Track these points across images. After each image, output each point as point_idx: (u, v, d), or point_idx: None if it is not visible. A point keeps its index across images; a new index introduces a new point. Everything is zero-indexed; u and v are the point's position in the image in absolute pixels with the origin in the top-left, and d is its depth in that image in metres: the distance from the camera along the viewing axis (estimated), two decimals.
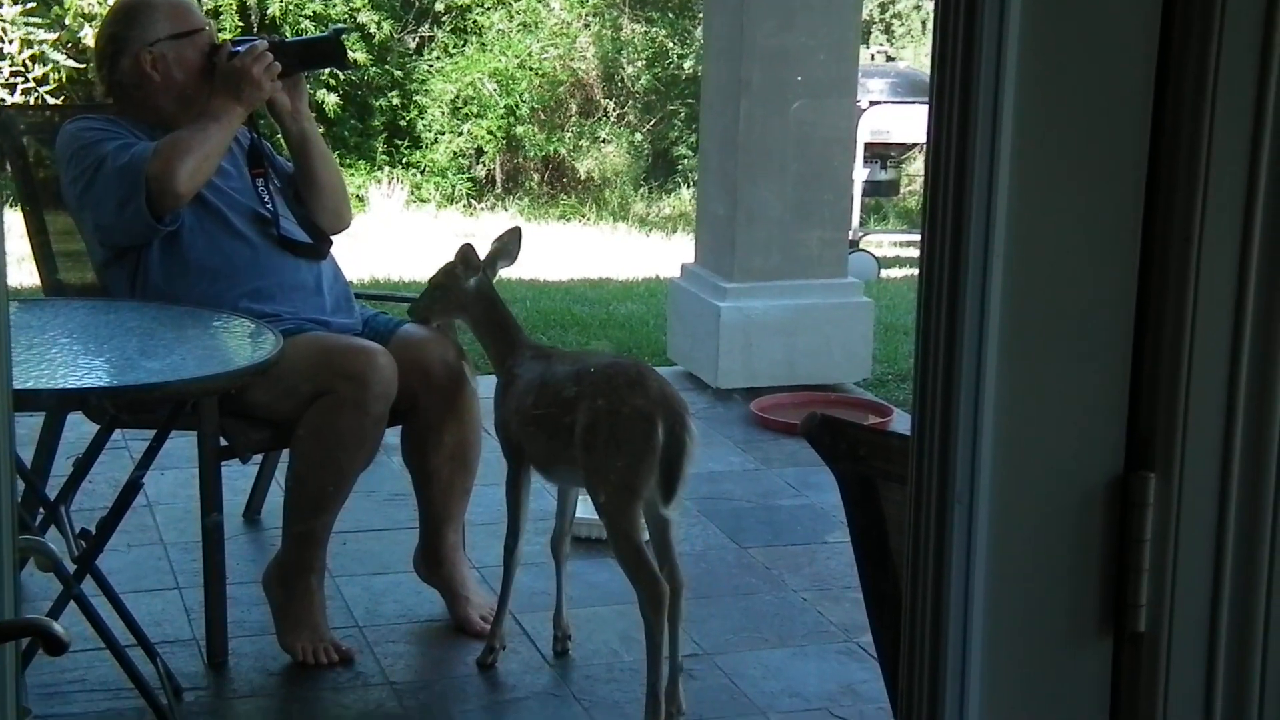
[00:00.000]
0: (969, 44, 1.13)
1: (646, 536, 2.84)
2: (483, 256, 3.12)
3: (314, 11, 10.69)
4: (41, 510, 2.87)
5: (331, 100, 10.63)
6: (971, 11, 1.13)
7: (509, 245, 3.13)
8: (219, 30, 9.78)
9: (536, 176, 11.67)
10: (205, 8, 9.96)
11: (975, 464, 1.13)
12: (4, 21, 9.59)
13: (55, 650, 0.88)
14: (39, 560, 1.47)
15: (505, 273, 3.20)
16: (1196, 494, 1.13)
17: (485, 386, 3.23)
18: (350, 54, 3.90)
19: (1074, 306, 1.14)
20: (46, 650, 0.89)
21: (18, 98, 9.64)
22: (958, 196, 1.15)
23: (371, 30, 10.91)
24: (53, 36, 9.96)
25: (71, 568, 2.74)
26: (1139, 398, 1.14)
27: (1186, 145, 1.12)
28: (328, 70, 9.70)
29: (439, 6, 11.45)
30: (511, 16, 11.37)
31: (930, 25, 13.05)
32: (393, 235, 9.19)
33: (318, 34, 3.44)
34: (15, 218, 3.64)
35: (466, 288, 3.09)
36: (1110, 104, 1.13)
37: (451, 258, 3.13)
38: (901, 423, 4.96)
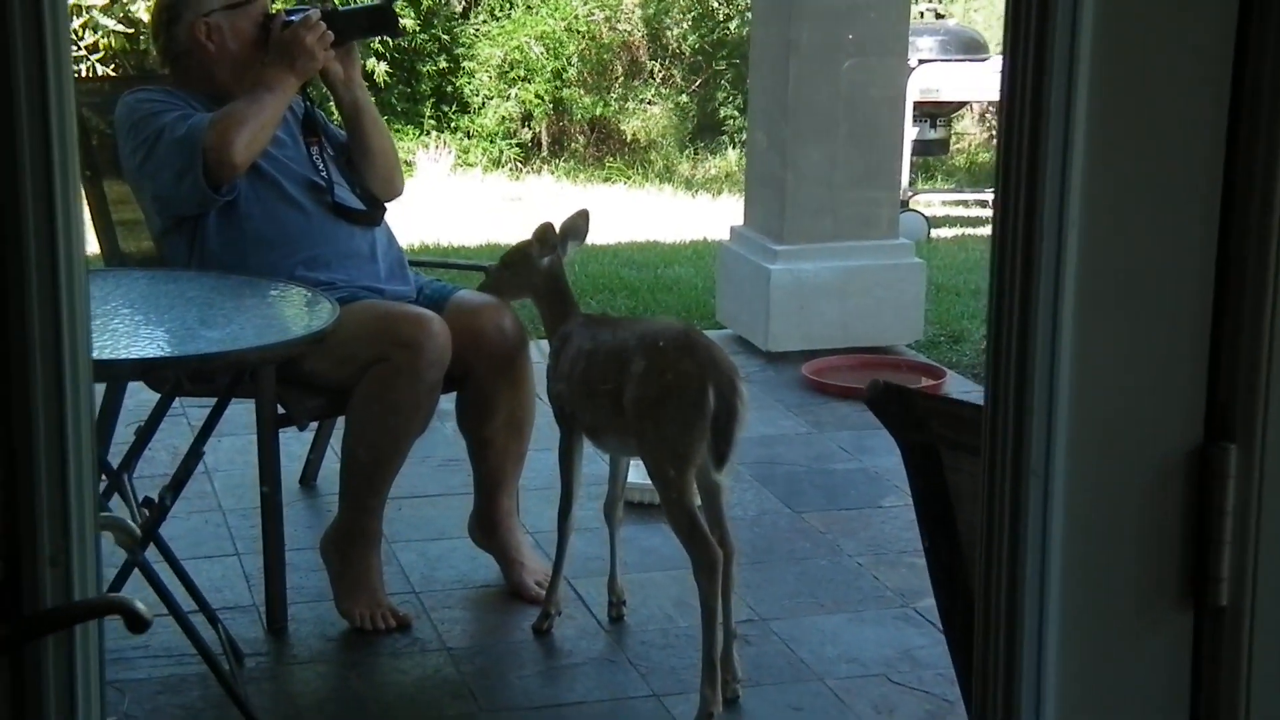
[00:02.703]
0: (1043, 13, 1.11)
1: (699, 502, 2.83)
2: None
3: None
4: (104, 479, 2.90)
5: (381, 69, 10.63)
6: None
7: (579, 225, 3.12)
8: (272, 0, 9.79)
9: (582, 139, 11.64)
10: None
11: (1051, 436, 1.11)
12: None
13: (138, 628, 0.89)
14: (118, 537, 1.48)
15: None
16: (1279, 464, 1.11)
17: (538, 352, 3.23)
18: (401, 21, 3.89)
19: (1152, 273, 1.12)
20: (129, 628, 0.90)
21: None
22: (1031, 159, 1.13)
23: None
24: (103, 2, 9.99)
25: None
26: (1219, 367, 1.12)
27: (1268, 99, 1.10)
28: (378, 37, 9.70)
29: None
30: None
31: None
32: (440, 200, 9.20)
33: (369, 2, 3.44)
34: None
35: (539, 266, 3.08)
36: (1190, 56, 1.10)
37: (529, 235, 3.11)
38: (956, 384, 4.93)
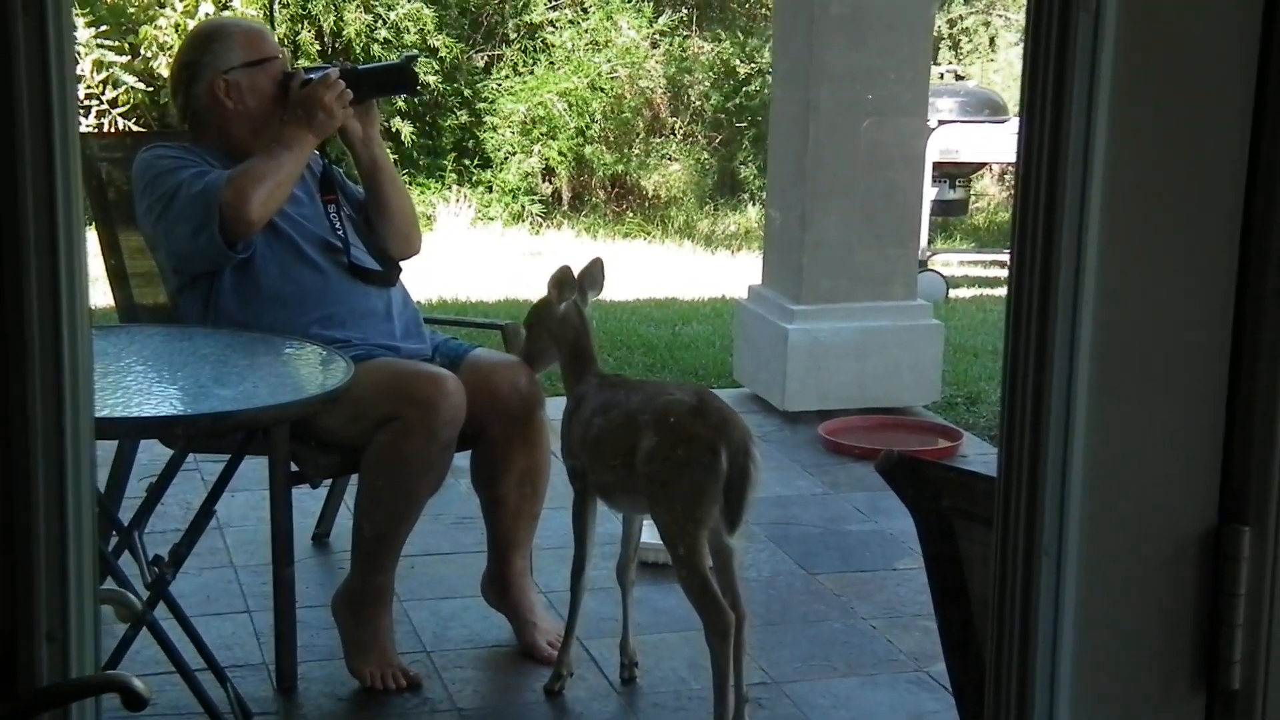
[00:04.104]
0: (1060, 81, 1.11)
1: (711, 564, 2.81)
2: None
3: (385, 37, 10.78)
4: (115, 535, 2.90)
5: (407, 129, 10.72)
6: (1063, 46, 1.10)
7: (594, 274, 3.11)
8: (294, 55, 9.90)
9: (602, 194, 11.69)
10: (279, 36, 10.07)
11: (1064, 516, 1.10)
12: (78, 44, 9.72)
13: (135, 706, 0.87)
14: (119, 611, 1.45)
15: None
16: None
17: (554, 409, 3.22)
18: (421, 78, 3.88)
19: (1166, 355, 1.11)
20: (126, 706, 0.89)
21: (91, 119, 9.77)
22: (1047, 238, 1.12)
23: (442, 54, 10.99)
24: (125, 59, 10.09)
25: (144, 593, 2.76)
26: (1233, 449, 1.11)
27: None
28: (400, 96, 9.80)
29: (506, 29, 11.51)
30: (581, 35, 11.40)
31: (998, 43, 12.94)
32: (460, 253, 9.23)
33: (390, 61, 3.47)
34: (90, 237, 3.68)
35: (557, 312, 3.07)
36: (1206, 134, 1.10)
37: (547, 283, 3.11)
38: (972, 446, 4.91)
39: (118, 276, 3.45)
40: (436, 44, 10.94)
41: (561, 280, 3.06)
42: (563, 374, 3.13)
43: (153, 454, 3.38)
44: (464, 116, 11.25)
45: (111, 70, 9.96)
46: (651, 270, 9.01)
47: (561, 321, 3.08)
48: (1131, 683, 1.12)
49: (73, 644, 0.93)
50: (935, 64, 11.15)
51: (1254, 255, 1.10)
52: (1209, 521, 1.11)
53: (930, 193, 8.27)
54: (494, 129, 11.14)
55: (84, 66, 9.81)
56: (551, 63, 11.38)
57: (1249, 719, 1.10)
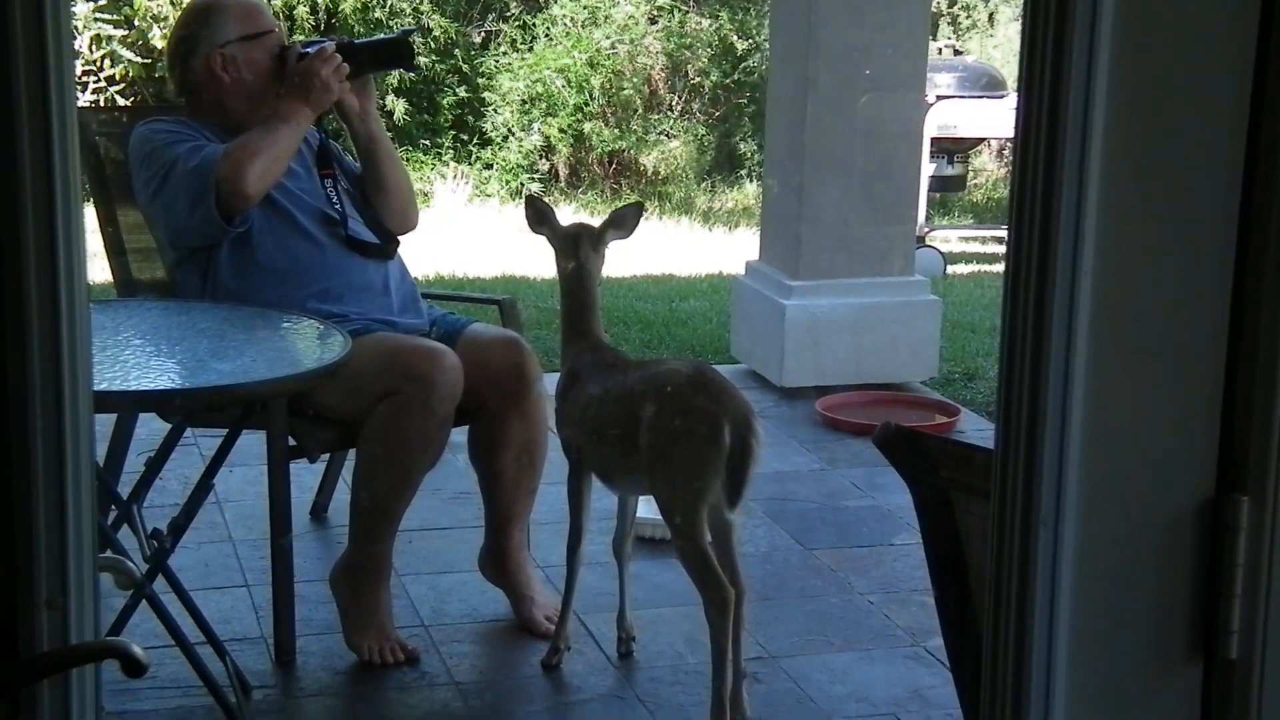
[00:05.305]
0: (1059, 54, 1.10)
1: (710, 539, 2.81)
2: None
3: (380, 18, 10.75)
4: (114, 509, 2.90)
5: (400, 108, 10.68)
6: (1062, 20, 1.10)
7: (626, 218, 3.06)
8: (289, 30, 9.87)
9: (601, 171, 11.67)
10: (275, 9, 10.05)
11: (1061, 486, 1.10)
12: (76, 19, 9.69)
13: (134, 672, 0.88)
14: (118, 579, 1.46)
15: None
16: None
17: (551, 384, 3.22)
18: (417, 56, 3.88)
19: (1166, 325, 1.11)
20: (126, 672, 0.89)
21: (89, 95, 9.74)
22: (1045, 209, 1.12)
23: (437, 32, 10.95)
24: (122, 34, 10.06)
25: (143, 567, 2.76)
26: (1232, 419, 1.11)
27: None
28: (396, 73, 9.78)
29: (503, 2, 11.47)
30: (580, 11, 11.36)
31: (997, 18, 12.90)
32: (457, 230, 9.21)
33: (386, 35, 3.47)
34: (88, 212, 3.67)
35: (565, 262, 3.03)
36: (1205, 107, 1.10)
37: (545, 267, 3.08)
38: (970, 421, 4.91)
39: (115, 251, 3.44)
40: (431, 24, 10.89)
41: (527, 208, 3.04)
42: (562, 323, 3.10)
43: (151, 428, 3.38)
44: (462, 92, 11.21)
45: (110, 45, 9.93)
46: (649, 247, 8.99)
47: (570, 272, 3.03)
48: (1129, 653, 1.12)
49: (72, 611, 0.93)
50: (933, 39, 11.12)
51: (1254, 226, 1.10)
52: (1207, 492, 1.11)
53: (928, 168, 8.25)
54: (494, 109, 11.11)
55: (82, 42, 9.78)
56: (550, 39, 11.35)
57: (1246, 688, 1.11)
